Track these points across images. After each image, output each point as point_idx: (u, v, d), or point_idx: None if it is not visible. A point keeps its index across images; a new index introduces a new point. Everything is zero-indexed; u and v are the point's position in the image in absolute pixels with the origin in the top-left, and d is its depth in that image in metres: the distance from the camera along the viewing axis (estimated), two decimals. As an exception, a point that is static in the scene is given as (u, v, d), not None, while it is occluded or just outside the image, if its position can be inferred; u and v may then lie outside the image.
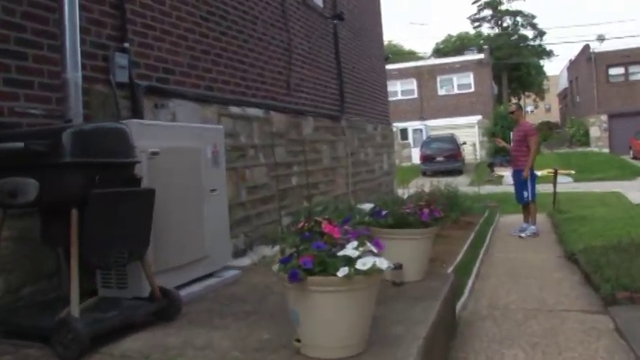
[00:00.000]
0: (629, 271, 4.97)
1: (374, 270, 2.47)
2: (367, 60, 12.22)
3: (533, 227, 9.09)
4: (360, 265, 2.45)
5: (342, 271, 2.43)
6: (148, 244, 3.38)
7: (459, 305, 4.96)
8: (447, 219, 9.34)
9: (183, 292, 3.99)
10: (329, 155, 9.14)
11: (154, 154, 3.75)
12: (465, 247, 7.43)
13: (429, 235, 4.19)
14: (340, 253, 2.53)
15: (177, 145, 4.05)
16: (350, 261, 2.49)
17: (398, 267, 4.02)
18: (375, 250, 2.59)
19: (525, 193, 8.88)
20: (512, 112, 9.51)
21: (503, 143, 10.39)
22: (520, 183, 8.92)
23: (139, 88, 4.90)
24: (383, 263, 2.50)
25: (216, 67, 6.22)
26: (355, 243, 2.57)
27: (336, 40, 10.04)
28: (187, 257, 4.13)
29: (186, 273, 4.14)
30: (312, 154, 8.50)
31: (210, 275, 4.47)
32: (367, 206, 6.66)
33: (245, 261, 5.91)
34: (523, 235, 8.98)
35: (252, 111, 6.83)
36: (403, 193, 12.84)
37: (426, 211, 4.13)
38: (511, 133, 9.96)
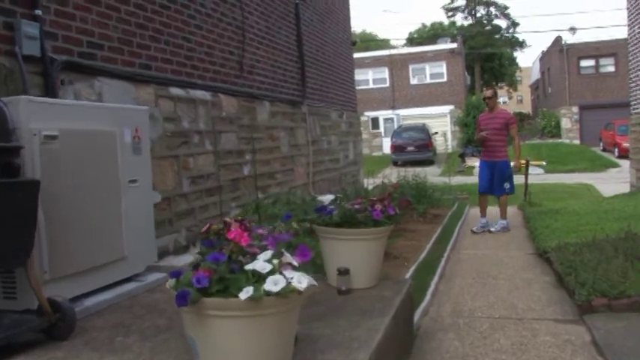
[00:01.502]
0: (606, 274, 4.45)
1: (289, 291, 1.87)
2: (333, 44, 11.60)
3: (504, 222, 8.59)
4: (270, 284, 1.86)
5: (246, 293, 1.83)
6: (30, 246, 2.74)
7: (419, 311, 4.42)
8: (414, 212, 8.85)
9: (90, 302, 3.39)
10: (287, 143, 8.52)
11: (50, 137, 3.11)
12: (431, 243, 6.90)
13: (381, 236, 3.60)
14: (249, 267, 1.93)
15: (83, 127, 3.40)
16: (260, 278, 1.90)
17: (344, 272, 3.45)
18: (295, 263, 2.00)
19: (507, 185, 8.33)
20: (489, 98, 8.56)
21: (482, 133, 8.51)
22: (502, 175, 8.33)
23: (54, 63, 4.24)
24: (302, 281, 1.91)
25: (155, 44, 5.56)
26: (269, 253, 1.98)
27: (298, 22, 9.40)
28: (98, 259, 3.51)
29: (96, 278, 3.52)
30: (269, 141, 7.89)
31: (130, 279, 3.85)
32: (327, 198, 6.08)
33: (186, 258, 5.29)
34: (493, 229, 8.47)
35: (198, 93, 6.19)
36: (369, 184, 12.35)
37: (378, 207, 3.54)
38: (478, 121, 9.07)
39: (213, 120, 6.39)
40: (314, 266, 4.32)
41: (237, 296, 1.85)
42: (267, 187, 7.69)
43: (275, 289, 1.85)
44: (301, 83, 9.33)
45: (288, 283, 1.87)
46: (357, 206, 3.58)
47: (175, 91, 5.78)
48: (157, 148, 5.37)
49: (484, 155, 8.62)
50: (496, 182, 8.36)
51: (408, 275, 5.10)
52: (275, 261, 1.95)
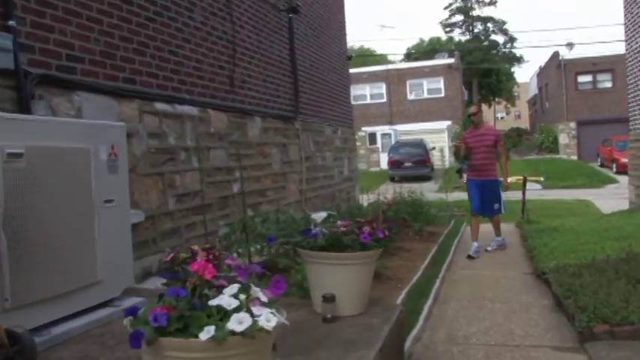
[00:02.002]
0: (608, 299, 4.24)
1: (255, 330, 1.67)
2: (328, 59, 11.45)
3: (499, 238, 8.41)
4: (234, 322, 1.65)
5: (207, 332, 1.63)
6: (-14, 275, 2.54)
7: (410, 337, 4.21)
8: (410, 229, 8.65)
9: (57, 330, 3.16)
10: (279, 159, 8.33)
11: (14, 155, 2.91)
12: (426, 263, 6.71)
13: (369, 260, 3.39)
14: (213, 303, 1.73)
15: (53, 145, 3.20)
16: (225, 315, 1.69)
17: (330, 299, 3.24)
18: (263, 299, 1.79)
19: (496, 205, 8.09)
20: (474, 114, 8.27)
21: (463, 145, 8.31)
22: (492, 194, 8.09)
23: (29, 76, 4.05)
24: (271, 320, 1.70)
25: (140, 58, 5.38)
26: (236, 287, 1.77)
27: (291, 36, 9.24)
28: (68, 285, 3.29)
29: (66, 305, 3.30)
30: (260, 158, 7.69)
31: (105, 304, 3.64)
32: (320, 215, 5.88)
33: (170, 280, 5.07)
34: (489, 248, 8.27)
35: (185, 109, 6.00)
36: (364, 200, 12.16)
37: (366, 230, 3.34)
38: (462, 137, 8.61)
39: (201, 136, 6.20)
40: (301, 291, 4.13)
41: (198, 336, 1.65)
42: (258, 204, 7.48)
43: (239, 328, 1.64)
44: (294, 98, 9.15)
45: (255, 322, 1.66)
46: (343, 229, 3.38)
47: (161, 106, 5.60)
48: (141, 165, 5.18)
49: (473, 174, 8.25)
50: (486, 202, 8.08)
51: (400, 298, 4.89)
52: (242, 296, 1.75)
